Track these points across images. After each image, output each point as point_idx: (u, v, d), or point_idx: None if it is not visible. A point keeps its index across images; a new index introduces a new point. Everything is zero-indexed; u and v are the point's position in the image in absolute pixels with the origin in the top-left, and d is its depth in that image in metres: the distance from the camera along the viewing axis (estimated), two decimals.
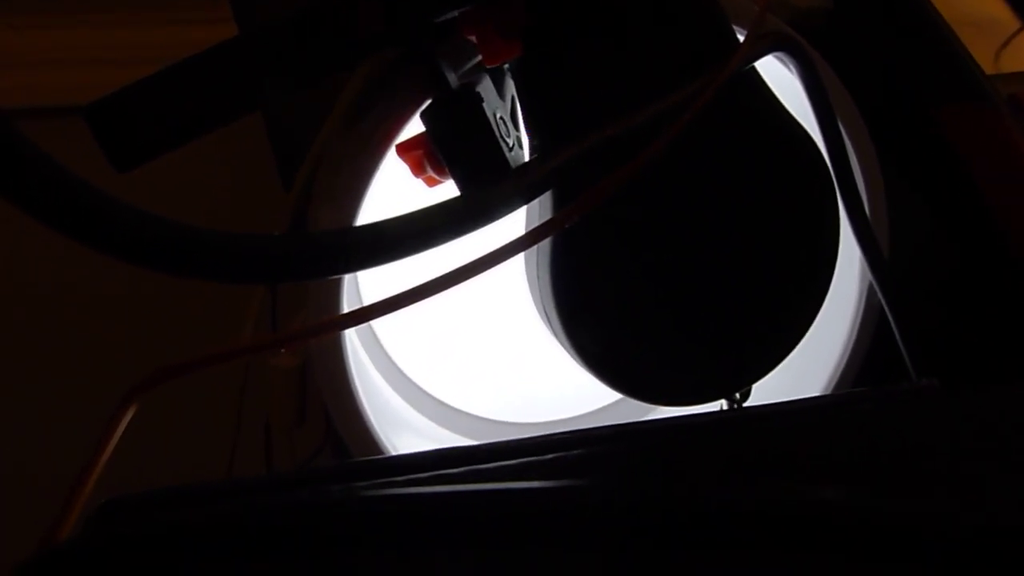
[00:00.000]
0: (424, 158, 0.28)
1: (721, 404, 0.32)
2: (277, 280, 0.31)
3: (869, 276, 0.32)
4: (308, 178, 0.34)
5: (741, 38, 0.28)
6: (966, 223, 0.40)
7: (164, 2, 0.68)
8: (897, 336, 0.31)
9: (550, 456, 0.20)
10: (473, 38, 0.24)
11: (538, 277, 0.29)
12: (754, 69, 0.28)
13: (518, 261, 0.29)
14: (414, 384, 0.42)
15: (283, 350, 0.35)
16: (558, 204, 0.27)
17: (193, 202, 0.46)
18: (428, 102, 0.27)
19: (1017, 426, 0.19)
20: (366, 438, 0.35)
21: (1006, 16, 0.46)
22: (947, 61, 0.40)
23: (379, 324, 0.39)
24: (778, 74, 0.30)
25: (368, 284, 0.37)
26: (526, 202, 0.24)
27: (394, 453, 0.36)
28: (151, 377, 0.18)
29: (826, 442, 0.19)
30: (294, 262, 0.21)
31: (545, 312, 0.29)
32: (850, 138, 0.31)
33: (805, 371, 0.34)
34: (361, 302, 0.39)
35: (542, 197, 0.27)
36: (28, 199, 0.17)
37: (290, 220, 0.35)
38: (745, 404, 0.31)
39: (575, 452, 0.20)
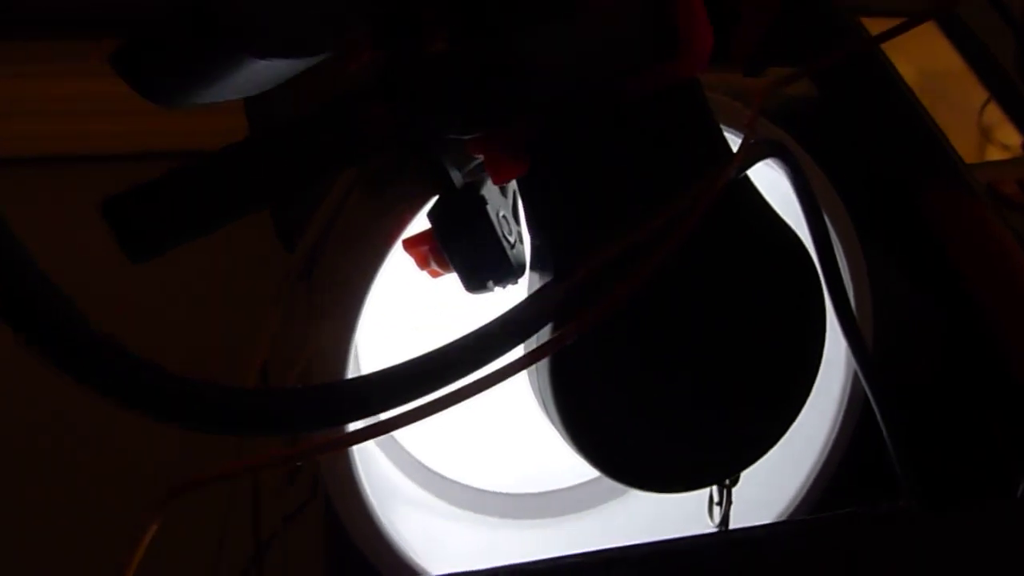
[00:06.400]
0: (429, 253, 0.29)
1: (712, 490, 0.33)
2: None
3: (854, 365, 0.33)
4: (312, 245, 0.35)
5: (734, 140, 0.30)
6: (946, 299, 0.42)
7: None
8: (880, 422, 0.33)
9: None
10: (480, 156, 0.25)
11: (536, 369, 0.30)
12: (745, 175, 0.29)
13: None
14: (409, 454, 0.43)
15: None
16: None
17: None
18: (434, 202, 0.28)
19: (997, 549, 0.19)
20: (361, 512, 0.35)
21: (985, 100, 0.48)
22: (928, 150, 0.42)
23: None
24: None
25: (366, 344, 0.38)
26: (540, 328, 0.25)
27: (387, 526, 0.36)
28: (163, 498, 0.18)
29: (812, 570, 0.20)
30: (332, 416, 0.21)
31: (543, 403, 0.30)
32: (837, 234, 0.33)
33: (794, 456, 0.35)
34: (358, 360, 0.39)
35: (545, 277, 0.28)
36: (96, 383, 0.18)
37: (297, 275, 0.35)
38: (735, 527, 0.31)
39: None
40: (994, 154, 0.46)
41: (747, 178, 0.29)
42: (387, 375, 0.21)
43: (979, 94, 0.47)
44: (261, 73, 0.20)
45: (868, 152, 0.43)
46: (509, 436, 0.43)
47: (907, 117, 0.43)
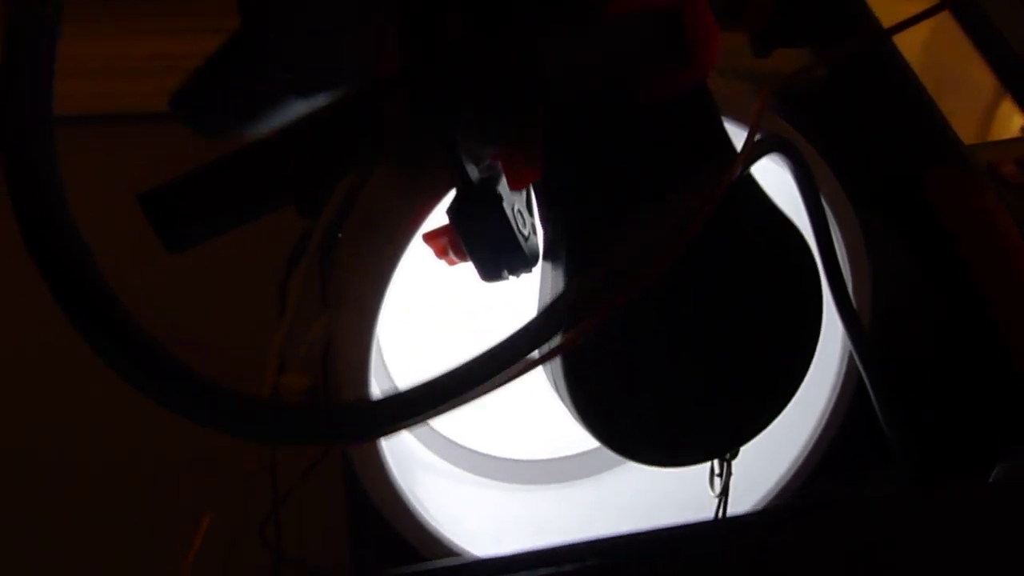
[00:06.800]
0: (448, 245, 0.30)
1: (713, 463, 0.35)
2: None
3: (850, 347, 0.34)
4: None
5: (741, 132, 0.31)
6: (945, 279, 0.43)
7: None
8: (874, 401, 0.35)
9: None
10: (499, 163, 0.27)
11: (543, 289, 0.31)
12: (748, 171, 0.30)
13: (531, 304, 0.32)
14: (426, 424, 0.45)
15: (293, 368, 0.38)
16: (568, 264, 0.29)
17: None
18: (453, 197, 0.29)
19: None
20: (383, 478, 0.37)
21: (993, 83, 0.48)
22: (929, 129, 0.43)
23: (397, 373, 0.42)
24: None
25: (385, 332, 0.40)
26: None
27: (406, 491, 0.38)
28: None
29: (806, 551, 0.22)
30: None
31: (555, 384, 0.32)
32: (838, 223, 0.34)
33: (793, 429, 0.37)
34: (382, 354, 0.41)
35: (557, 267, 0.30)
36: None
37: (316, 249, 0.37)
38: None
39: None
40: (1000, 132, 0.47)
41: (751, 176, 0.31)
42: (428, 387, 0.22)
43: (987, 72, 0.48)
44: (301, 108, 0.21)
45: (872, 134, 0.44)
46: (519, 407, 0.45)
47: (911, 100, 0.43)
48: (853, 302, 0.33)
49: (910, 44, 0.46)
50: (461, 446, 0.45)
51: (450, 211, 0.29)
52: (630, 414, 0.32)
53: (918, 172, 0.42)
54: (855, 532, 0.24)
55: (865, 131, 0.44)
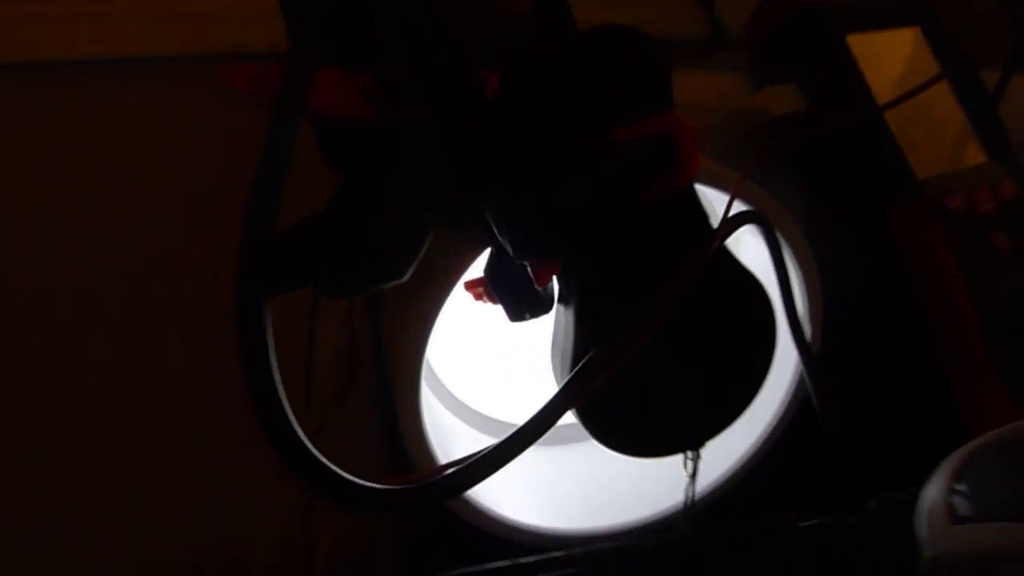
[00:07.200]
0: (484, 293, 0.38)
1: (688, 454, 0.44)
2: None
3: (801, 368, 0.43)
4: None
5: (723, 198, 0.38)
6: (899, 308, 0.50)
7: None
8: (816, 405, 0.43)
9: None
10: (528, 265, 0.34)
11: (561, 364, 0.40)
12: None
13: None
14: (451, 394, 0.54)
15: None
16: (579, 322, 0.37)
17: None
18: (488, 258, 0.37)
19: None
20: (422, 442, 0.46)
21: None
22: (891, 166, 0.49)
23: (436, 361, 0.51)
24: None
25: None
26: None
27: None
28: None
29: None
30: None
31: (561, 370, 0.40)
32: (800, 267, 0.42)
33: (752, 424, 0.46)
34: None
35: (568, 311, 0.38)
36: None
37: None
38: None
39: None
40: (970, 164, 0.53)
41: (724, 245, 0.38)
42: (490, 455, 0.29)
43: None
44: None
45: (843, 167, 0.50)
46: (527, 379, 0.54)
47: (878, 137, 0.49)
48: (806, 333, 0.42)
49: (886, 79, 0.52)
50: (483, 415, 0.54)
51: (487, 270, 0.37)
52: (624, 420, 0.40)
53: (882, 206, 0.49)
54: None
55: (841, 166, 0.50)
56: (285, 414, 0.25)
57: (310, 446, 0.25)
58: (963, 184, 0.50)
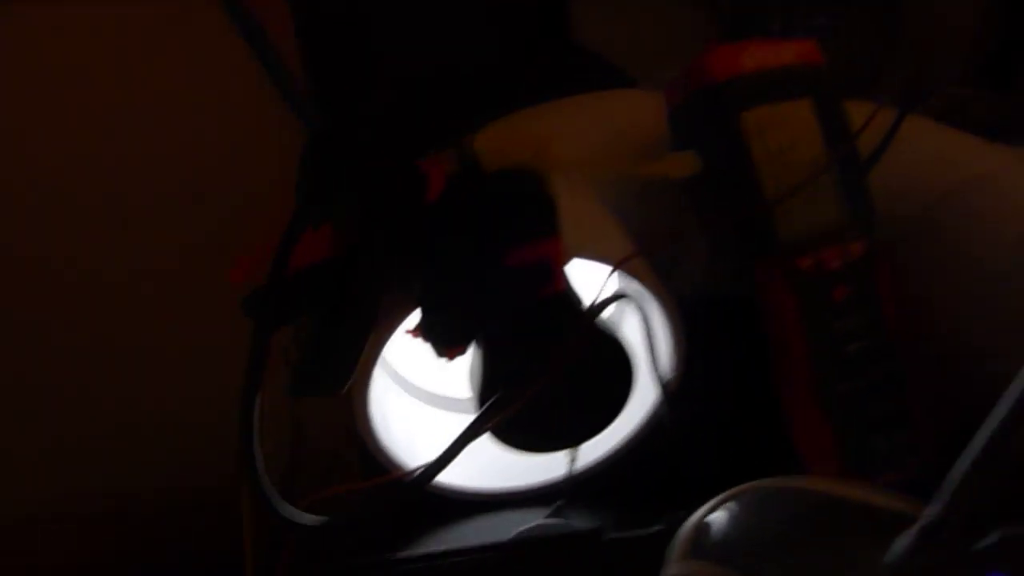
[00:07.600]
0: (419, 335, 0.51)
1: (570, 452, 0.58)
2: None
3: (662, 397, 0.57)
4: None
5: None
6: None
7: None
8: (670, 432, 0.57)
9: None
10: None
11: (474, 391, 0.53)
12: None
13: None
14: (396, 372, 0.67)
15: None
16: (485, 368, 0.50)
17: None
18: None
19: None
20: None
21: None
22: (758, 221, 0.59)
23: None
24: None
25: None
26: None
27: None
28: None
29: None
30: None
31: (476, 400, 0.54)
32: (670, 330, 0.55)
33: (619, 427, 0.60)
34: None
35: (479, 354, 0.51)
36: None
37: None
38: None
39: None
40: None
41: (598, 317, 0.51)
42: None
43: None
44: None
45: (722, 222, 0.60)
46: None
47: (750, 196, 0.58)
48: (661, 377, 0.55)
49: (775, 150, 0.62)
50: (421, 388, 0.68)
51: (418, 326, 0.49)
52: (518, 426, 0.54)
53: (751, 261, 0.60)
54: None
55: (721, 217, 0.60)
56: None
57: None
58: (819, 243, 0.61)
